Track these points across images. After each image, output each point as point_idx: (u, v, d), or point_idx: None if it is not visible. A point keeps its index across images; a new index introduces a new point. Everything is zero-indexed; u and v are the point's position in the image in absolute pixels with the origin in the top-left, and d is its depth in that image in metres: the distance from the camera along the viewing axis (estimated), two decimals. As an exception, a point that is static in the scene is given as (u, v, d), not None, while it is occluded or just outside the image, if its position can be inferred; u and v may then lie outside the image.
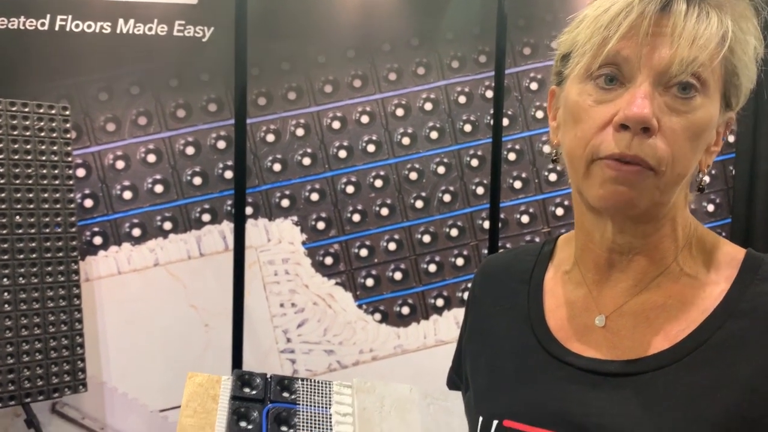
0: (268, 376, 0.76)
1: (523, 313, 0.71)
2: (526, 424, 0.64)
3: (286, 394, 0.76)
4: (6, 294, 1.71)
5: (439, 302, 2.17)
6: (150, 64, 1.97)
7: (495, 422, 0.66)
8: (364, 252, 2.13)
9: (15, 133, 1.75)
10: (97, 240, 2.00)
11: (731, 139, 2.24)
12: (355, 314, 2.13)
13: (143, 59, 1.96)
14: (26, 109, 1.78)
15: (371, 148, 2.11)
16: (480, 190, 2.17)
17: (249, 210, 2.06)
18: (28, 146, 1.77)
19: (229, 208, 2.05)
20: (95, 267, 2.00)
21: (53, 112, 1.82)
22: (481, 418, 0.68)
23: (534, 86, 2.19)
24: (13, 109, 1.76)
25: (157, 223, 2.02)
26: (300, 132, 2.07)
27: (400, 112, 2.12)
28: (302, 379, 0.78)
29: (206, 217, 2.05)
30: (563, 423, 0.62)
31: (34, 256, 1.75)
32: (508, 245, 2.19)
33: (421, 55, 2.11)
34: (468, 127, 2.15)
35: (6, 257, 1.71)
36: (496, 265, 0.78)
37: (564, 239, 0.74)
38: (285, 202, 2.08)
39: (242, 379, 0.75)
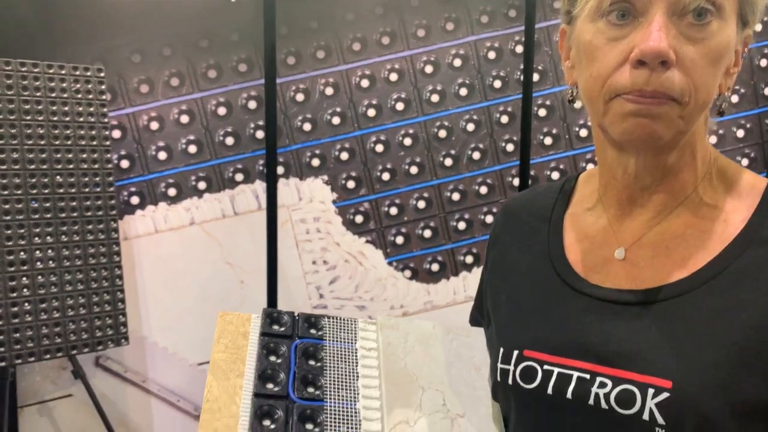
0: (296, 314, 0.79)
1: (543, 249, 0.72)
2: (546, 354, 0.66)
3: (313, 331, 0.79)
4: (50, 251, 1.77)
5: (469, 259, 2.19)
6: (180, 25, 1.99)
7: (516, 352, 0.68)
8: (393, 210, 2.15)
9: (53, 95, 1.80)
10: (134, 200, 2.05)
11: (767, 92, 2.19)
12: (385, 271, 2.16)
13: (174, 21, 1.98)
14: (63, 72, 1.82)
15: (400, 106, 2.11)
16: (510, 147, 2.16)
17: (280, 169, 2.09)
18: (66, 108, 1.82)
19: (261, 167, 2.09)
20: (133, 226, 2.06)
21: (89, 74, 1.85)
22: (502, 349, 0.70)
23: (565, 40, 2.16)
24: (50, 71, 1.80)
25: (191, 183, 2.07)
26: (329, 91, 2.08)
27: (429, 69, 2.11)
28: (328, 317, 0.81)
29: (239, 177, 2.08)
30: (583, 352, 0.63)
31: (75, 214, 1.81)
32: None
33: (450, 10, 2.09)
34: (498, 83, 2.14)
35: (49, 215, 1.78)
36: (517, 205, 0.80)
37: (585, 176, 0.75)
38: (315, 162, 2.11)
39: (271, 317, 0.78)
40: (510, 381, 0.68)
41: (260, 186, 2.09)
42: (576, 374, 0.63)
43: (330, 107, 2.09)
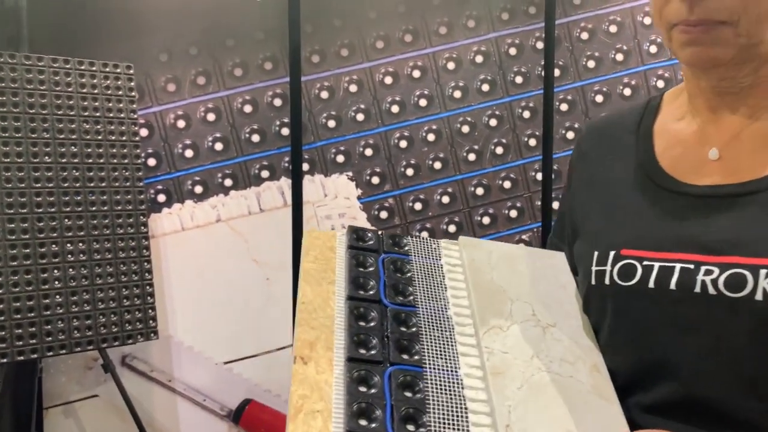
0: (379, 232, 0.81)
1: (633, 158, 0.74)
2: (644, 250, 0.67)
3: (397, 248, 0.80)
4: (81, 244, 1.79)
5: (494, 254, 2.20)
6: (206, 24, 2.03)
7: (612, 252, 0.69)
8: (418, 205, 2.17)
9: (84, 91, 1.83)
10: (161, 198, 2.07)
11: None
12: (411, 267, 2.17)
13: (200, 20, 2.03)
14: (93, 68, 1.85)
15: (423, 102, 2.14)
16: (532, 142, 2.19)
17: (306, 166, 2.11)
18: (96, 104, 1.85)
19: (286, 164, 2.11)
20: (160, 224, 2.08)
21: (118, 71, 1.89)
22: (596, 252, 0.70)
23: (585, 36, 2.20)
24: (81, 68, 1.84)
25: (218, 180, 2.09)
26: (353, 88, 2.12)
27: (451, 65, 2.15)
28: (411, 236, 0.82)
29: (265, 174, 2.11)
30: (685, 244, 0.64)
31: (105, 209, 1.83)
32: (560, 196, 2.20)
33: (471, 8, 2.14)
34: (519, 79, 2.17)
35: (80, 209, 1.80)
36: (603, 122, 0.82)
37: (670, 93, 0.77)
38: (340, 158, 2.13)
39: (357, 233, 0.79)
40: (607, 281, 0.68)
41: (285, 183, 2.11)
42: (679, 266, 0.63)
43: (354, 104, 2.12)
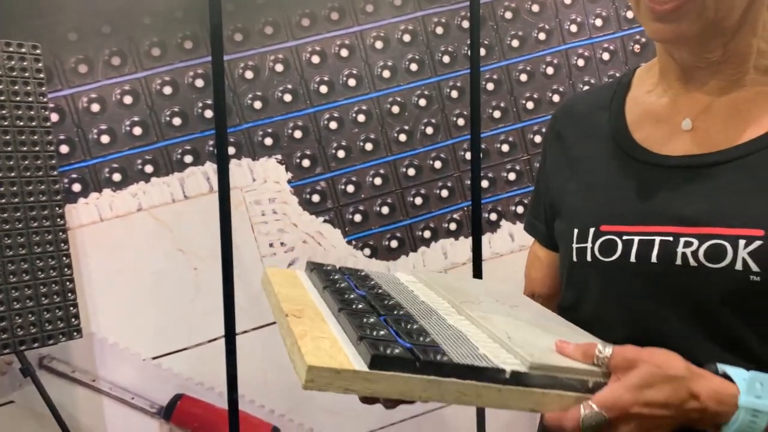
0: (337, 267, 0.86)
1: (607, 134, 0.75)
2: (623, 225, 0.69)
3: (355, 273, 0.87)
4: (-10, 240, 1.66)
5: (427, 234, 2.22)
6: (120, 1, 1.92)
7: (592, 229, 0.70)
8: (350, 188, 2.15)
9: (-15, 72, 1.69)
10: (76, 187, 1.96)
11: None
12: (345, 250, 2.16)
13: (112, -4, 1.91)
14: (-5, 48, 1.71)
15: (352, 82, 2.12)
16: (461, 122, 2.21)
17: (231, 150, 2.05)
18: (0, 86, 1.72)
19: (210, 148, 2.04)
20: (76, 215, 1.96)
21: (23, 50, 1.76)
22: (576, 230, 0.72)
23: (509, 15, 2.24)
24: (-19, 47, 1.69)
25: (137, 167, 1.99)
26: (279, 68, 2.06)
27: (378, 44, 2.13)
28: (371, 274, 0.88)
29: (188, 159, 2.03)
30: (663, 217, 0.66)
31: (16, 200, 1.70)
32: (490, 175, 2.25)
33: (397, -15, 2.13)
34: (446, 59, 2.19)
35: (-13, 202, 1.67)
36: (576, 101, 0.83)
37: (642, 69, 0.79)
38: (268, 141, 2.08)
39: (315, 263, 0.85)
40: (589, 257, 0.70)
41: (211, 167, 2.04)
42: (658, 239, 0.65)
43: (281, 84, 2.07)
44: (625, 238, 0.68)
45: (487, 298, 0.80)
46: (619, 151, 0.73)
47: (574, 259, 0.72)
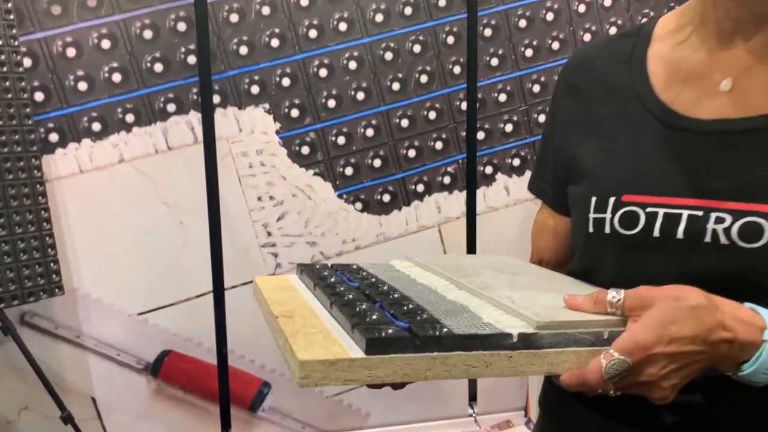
0: (329, 264, 0.83)
1: (628, 91, 0.69)
2: (647, 195, 0.63)
3: (347, 267, 0.82)
4: (-37, 193, 1.59)
5: (420, 188, 2.17)
6: (94, -64, 1.80)
7: (612, 199, 0.65)
8: (341, 140, 2.08)
9: (-50, 13, 1.59)
10: (53, 137, 1.87)
11: None
12: (335, 204, 2.10)
13: (86, -69, 1.79)
14: (-40, -14, 1.60)
15: (343, 26, 2.03)
16: (457, 70, 2.13)
17: (216, 98, 1.97)
18: (-33, 29, 1.61)
19: (194, 96, 1.95)
20: (54, 167, 1.88)
21: (-9, -10, 1.65)
22: (594, 198, 0.66)
23: (509, -44, 2.13)
24: (-55, -14, 1.58)
25: (118, 116, 1.91)
26: (266, 10, 1.96)
27: (371, -14, 2.03)
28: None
29: (171, 107, 1.94)
30: (692, 188, 0.61)
31: (-11, 151, 1.62)
32: (486, 126, 2.18)
33: None
34: (442, 2, 2.09)
35: (-42, 153, 1.59)
36: (590, 52, 0.76)
37: (666, 20, 0.72)
38: (255, 89, 1.99)
39: (305, 264, 0.83)
40: (607, 229, 0.65)
41: (195, 117, 1.96)
42: (686, 212, 0.60)
43: (267, 28, 1.97)
44: (648, 210, 0.62)
45: (486, 270, 0.76)
46: (643, 112, 0.66)
47: (590, 229, 0.67)
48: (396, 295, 0.66)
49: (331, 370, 0.50)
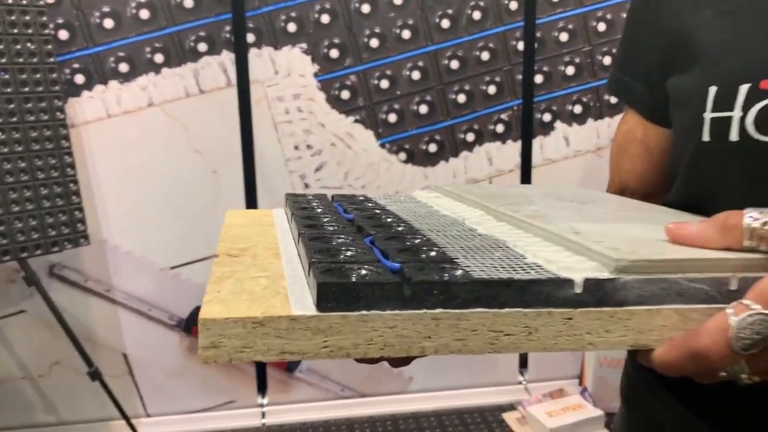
0: (331, 196, 0.65)
1: None
2: None
3: (349, 198, 0.64)
4: (-18, 135, 1.51)
5: (470, 137, 2.01)
6: None
7: (743, 88, 0.47)
8: (384, 83, 1.93)
9: (-35, -60, 1.48)
10: (79, 78, 1.77)
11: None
12: (377, 154, 1.96)
13: None
14: None
15: (388, -43, 1.86)
16: (513, 5, 1.95)
17: (251, 37, 1.83)
18: (-17, -42, 1.51)
19: (227, 35, 1.82)
20: (80, 110, 1.79)
21: None
22: (714, 90, 0.49)
23: None
24: None
25: (146, 56, 1.79)
26: (304, -60, 1.81)
27: None
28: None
29: (202, 47, 1.82)
30: None
31: (8, 90, 1.53)
32: (545, 68, 2.00)
33: None
34: (499, -71, 1.90)
35: (-24, 92, 1.50)
36: None
37: None
38: (291, 27, 1.85)
39: (295, 195, 0.64)
40: (734, 135, 0.47)
41: (228, 57, 1.83)
42: None
43: (306, -40, 1.82)
44: None
45: (544, 198, 0.58)
46: None
47: (706, 137, 0.49)
48: (399, 228, 0.47)
49: (256, 336, 0.33)
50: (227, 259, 0.43)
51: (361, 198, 0.63)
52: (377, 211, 0.54)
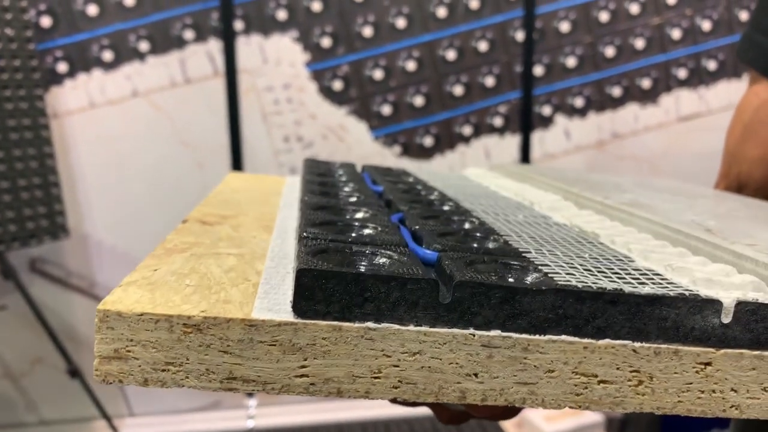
0: (362, 166, 0.58)
1: None
2: None
3: (380, 170, 0.58)
4: (-42, 124, 1.51)
5: (467, 130, 2.00)
6: None
7: None
8: (378, 74, 1.92)
9: None
10: (61, 67, 1.77)
11: None
12: (371, 148, 1.95)
13: None
14: None
15: (382, -57, 1.85)
16: (512, -6, 1.93)
17: (239, 25, 1.83)
18: (-39, -59, 1.51)
19: (215, 22, 1.82)
20: (62, 100, 1.79)
21: None
22: None
23: None
24: None
25: (131, 44, 1.79)
26: (295, -75, 1.80)
27: None
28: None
29: (189, 35, 1.81)
30: None
31: (-14, 78, 1.53)
32: (545, 60, 1.98)
33: None
34: None
35: (-48, 79, 1.50)
36: None
37: None
38: (281, 14, 1.84)
39: (315, 161, 0.57)
40: None
41: (215, 45, 1.83)
42: None
43: (297, -54, 1.81)
44: None
45: (636, 188, 0.48)
46: None
47: None
48: (444, 208, 0.37)
49: (190, 348, 0.22)
50: (196, 226, 0.35)
51: (396, 171, 0.54)
52: (417, 186, 0.45)
